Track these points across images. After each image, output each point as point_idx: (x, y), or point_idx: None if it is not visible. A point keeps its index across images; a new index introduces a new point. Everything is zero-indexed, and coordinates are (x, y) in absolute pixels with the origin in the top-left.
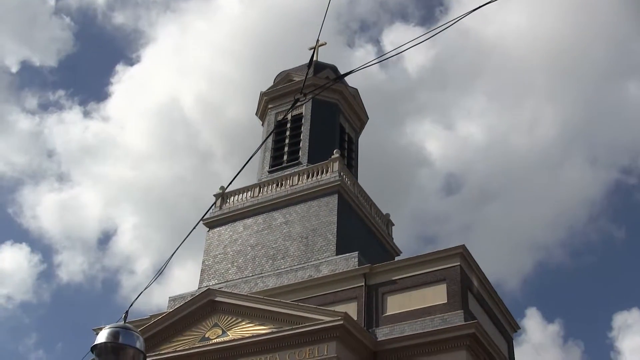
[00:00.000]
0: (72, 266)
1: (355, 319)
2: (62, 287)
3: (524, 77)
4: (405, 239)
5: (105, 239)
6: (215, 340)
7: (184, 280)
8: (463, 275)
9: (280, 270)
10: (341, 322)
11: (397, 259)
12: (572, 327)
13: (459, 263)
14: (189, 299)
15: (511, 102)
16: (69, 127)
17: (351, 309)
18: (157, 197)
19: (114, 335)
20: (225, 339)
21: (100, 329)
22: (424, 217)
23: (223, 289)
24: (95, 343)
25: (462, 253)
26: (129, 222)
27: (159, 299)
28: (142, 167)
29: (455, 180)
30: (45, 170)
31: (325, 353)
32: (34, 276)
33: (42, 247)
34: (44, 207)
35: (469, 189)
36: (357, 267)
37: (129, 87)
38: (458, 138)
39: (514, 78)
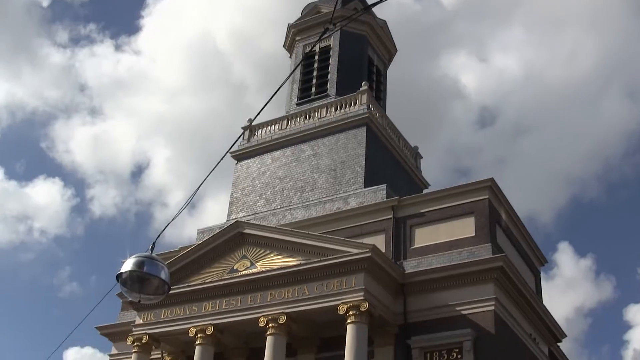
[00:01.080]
0: (105, 200)
1: (383, 251)
2: (95, 220)
3: (563, 7)
4: (437, 172)
5: (138, 172)
6: (243, 272)
7: (217, 213)
8: (491, 209)
9: (308, 203)
10: (369, 254)
11: (425, 191)
12: (604, 262)
13: (487, 196)
14: (217, 231)
15: (549, 33)
16: (101, 60)
17: (379, 242)
18: (190, 130)
19: (139, 264)
20: (254, 270)
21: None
22: (457, 150)
23: (251, 221)
24: (120, 271)
25: (491, 186)
26: (162, 155)
27: (191, 233)
28: (174, 100)
29: (490, 113)
30: (78, 104)
31: (353, 285)
32: (67, 210)
33: (75, 181)
34: (76, 142)
35: (504, 122)
36: (385, 199)
37: (161, 20)
38: (494, 70)
39: (553, 8)
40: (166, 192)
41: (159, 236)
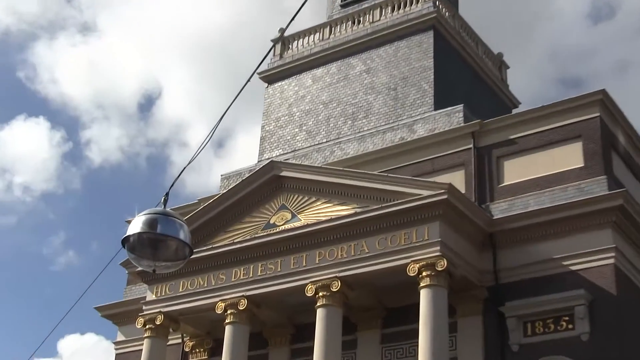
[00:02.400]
0: (106, 143)
1: (463, 191)
2: (95, 171)
3: None
4: (531, 85)
5: (147, 104)
6: (282, 227)
7: (252, 152)
8: (604, 130)
9: (362, 133)
10: (445, 196)
11: (515, 111)
12: None
13: (598, 114)
14: (246, 175)
15: None
16: None
17: (457, 179)
18: (213, 46)
19: (150, 224)
20: (296, 224)
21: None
22: (560, 54)
23: (290, 161)
24: (127, 235)
25: (603, 100)
26: (177, 80)
27: (219, 180)
28: (191, 7)
29: (607, 4)
30: (65, 19)
31: (426, 237)
32: (57, 159)
33: (65, 121)
34: (65, 68)
35: (627, 14)
36: (462, 124)
37: None
38: None
39: None
40: (185, 127)
41: (173, 184)
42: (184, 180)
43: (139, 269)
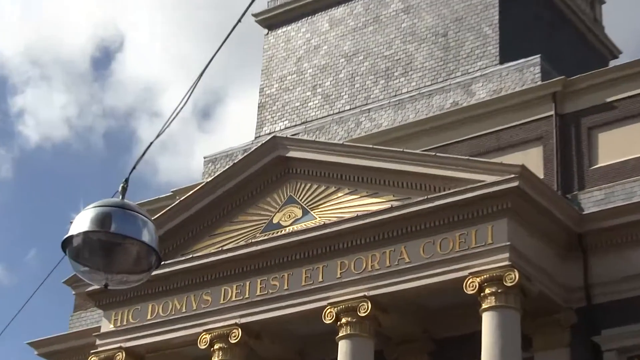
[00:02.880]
0: (46, 114)
1: (541, 176)
2: (31, 153)
3: None
4: (638, 28)
5: (104, 59)
6: (291, 227)
7: (247, 126)
8: None
9: (400, 97)
10: (516, 183)
11: (612, 64)
12: None
13: None
14: (239, 157)
15: None
16: None
17: (533, 160)
18: None
19: (101, 220)
20: (309, 224)
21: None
22: None
23: (300, 136)
24: (68, 235)
25: None
26: (145, 27)
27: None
28: None
29: None
30: None
31: (490, 240)
32: None
33: None
34: None
35: None
36: (539, 82)
37: None
38: None
39: None
40: (156, 92)
41: (135, 166)
42: (155, 165)
43: (90, 287)
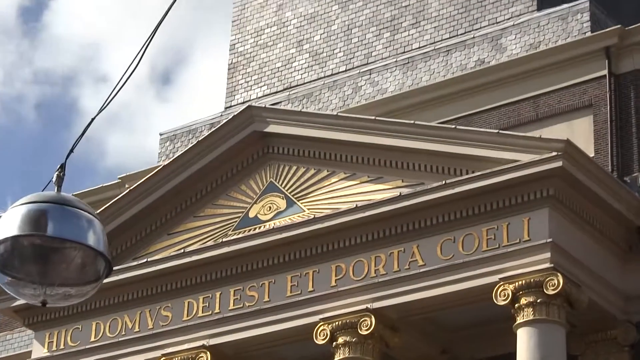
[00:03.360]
0: None
1: (592, 154)
2: None
3: None
4: None
5: (35, 9)
6: (272, 222)
7: (216, 93)
8: None
9: (410, 54)
10: (559, 163)
11: None
12: None
13: None
14: (205, 134)
15: None
16: None
17: (580, 133)
18: None
19: (35, 220)
20: (295, 219)
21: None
22: None
23: (282, 106)
24: None
25: None
26: None
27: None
28: None
29: None
30: None
31: (526, 237)
32: None
33: None
34: None
35: None
36: (588, 33)
37: None
38: None
39: None
40: (103, 49)
41: (74, 146)
42: (103, 145)
43: (18, 301)
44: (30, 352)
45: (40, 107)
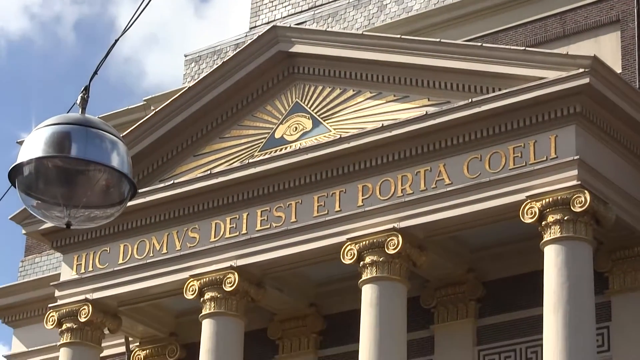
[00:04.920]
0: None
1: (619, 70)
2: None
3: None
4: None
5: None
6: (298, 143)
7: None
8: None
9: None
10: (586, 79)
11: None
12: None
13: None
14: (229, 54)
15: None
16: None
17: (608, 49)
18: None
19: (59, 142)
20: (321, 139)
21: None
22: None
23: (307, 25)
24: (17, 163)
25: None
26: None
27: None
28: None
29: None
30: None
31: (553, 154)
32: None
33: None
34: None
35: None
36: None
37: None
38: None
39: None
40: None
41: (100, 65)
42: (141, 66)
43: (44, 225)
44: (58, 274)
45: (79, 28)
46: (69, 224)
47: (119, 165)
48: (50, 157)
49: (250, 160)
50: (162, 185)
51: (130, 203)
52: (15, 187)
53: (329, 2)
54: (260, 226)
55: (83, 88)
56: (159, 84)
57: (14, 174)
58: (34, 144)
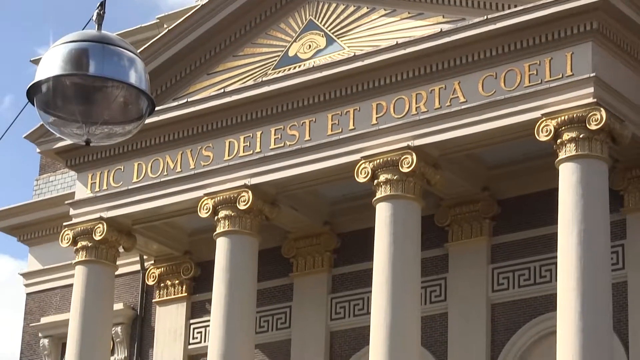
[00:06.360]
0: None
1: None
2: None
3: None
4: None
5: None
6: (311, 61)
7: None
8: None
9: None
10: None
11: None
12: None
13: None
14: None
15: None
16: None
17: None
18: None
19: (76, 59)
20: (335, 56)
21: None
22: None
23: None
24: (36, 81)
25: None
26: None
27: None
28: None
29: None
30: None
31: (568, 72)
32: None
33: None
34: None
35: None
36: None
37: None
38: None
39: None
40: None
41: None
42: None
43: (58, 143)
44: (73, 193)
45: None
46: (88, 141)
47: (136, 82)
48: (68, 74)
49: (264, 79)
50: (175, 103)
51: (145, 121)
52: (33, 105)
53: None
54: (274, 144)
55: (99, 4)
56: (173, 3)
57: (32, 92)
58: (52, 62)
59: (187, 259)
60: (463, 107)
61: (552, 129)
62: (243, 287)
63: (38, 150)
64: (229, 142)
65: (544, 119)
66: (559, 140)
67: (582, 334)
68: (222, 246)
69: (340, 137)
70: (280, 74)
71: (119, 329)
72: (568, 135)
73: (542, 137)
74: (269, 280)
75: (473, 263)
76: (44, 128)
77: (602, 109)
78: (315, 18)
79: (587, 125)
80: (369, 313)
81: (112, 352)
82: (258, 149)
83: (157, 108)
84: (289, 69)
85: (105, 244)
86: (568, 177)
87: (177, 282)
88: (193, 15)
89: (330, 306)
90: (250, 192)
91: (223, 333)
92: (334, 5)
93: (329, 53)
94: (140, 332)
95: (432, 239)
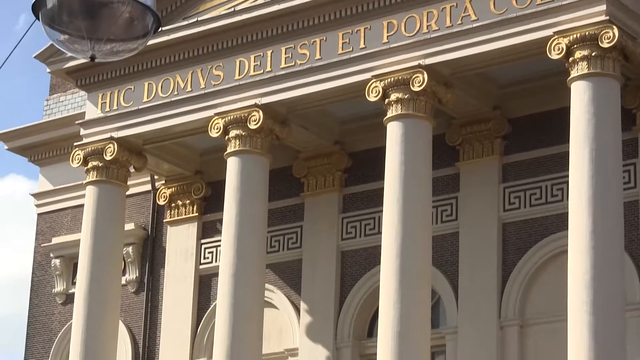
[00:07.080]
0: None
1: None
2: None
3: None
4: None
5: None
6: None
7: None
8: None
9: None
10: None
11: None
12: None
13: None
14: None
15: None
16: None
17: None
18: None
19: None
20: None
21: None
22: None
23: None
24: None
25: None
26: None
27: None
28: None
29: None
30: None
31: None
32: None
33: None
34: None
35: None
36: None
37: None
38: None
39: None
40: None
41: None
42: None
43: (68, 62)
44: (83, 113)
45: None
46: (93, 57)
47: None
48: None
49: None
50: (185, 22)
51: (153, 41)
52: (39, 20)
53: None
54: (285, 64)
55: None
56: None
57: (38, 6)
58: None
59: (198, 178)
60: (474, 25)
61: (564, 47)
62: (254, 207)
63: (48, 70)
64: (240, 61)
65: (556, 36)
66: (570, 59)
67: (594, 253)
68: (232, 166)
69: (351, 55)
70: None
71: (130, 249)
72: (580, 53)
73: (554, 55)
74: (279, 200)
75: (484, 182)
76: (54, 47)
77: (614, 26)
78: None
79: (600, 43)
80: (380, 233)
81: (124, 272)
82: (269, 68)
83: (167, 27)
84: None
85: (116, 163)
86: (580, 96)
87: (188, 202)
88: None
89: (341, 226)
90: (260, 111)
91: (234, 253)
92: None
93: None
94: (151, 252)
95: (443, 158)
